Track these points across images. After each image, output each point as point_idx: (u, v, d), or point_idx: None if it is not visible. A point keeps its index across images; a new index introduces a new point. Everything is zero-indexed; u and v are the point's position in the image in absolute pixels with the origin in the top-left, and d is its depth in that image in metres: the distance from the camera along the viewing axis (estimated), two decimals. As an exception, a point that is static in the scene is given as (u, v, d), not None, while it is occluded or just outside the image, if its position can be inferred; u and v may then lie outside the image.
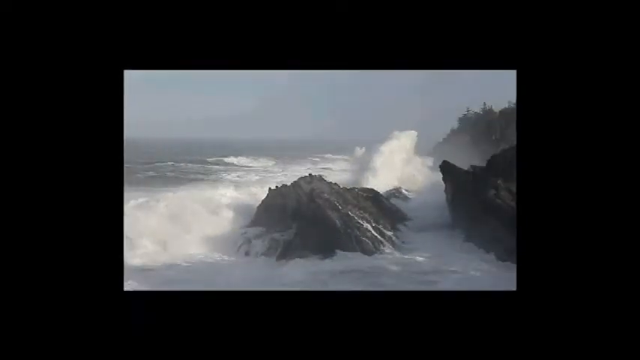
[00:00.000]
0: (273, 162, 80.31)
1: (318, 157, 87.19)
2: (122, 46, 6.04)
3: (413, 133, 46.65)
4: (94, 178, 5.92)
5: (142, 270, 19.71)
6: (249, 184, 38.21)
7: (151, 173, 57.21)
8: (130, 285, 15.48)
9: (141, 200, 27.04)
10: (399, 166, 41.02)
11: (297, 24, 6.19)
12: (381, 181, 34.41)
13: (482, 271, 18.68)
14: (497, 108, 52.06)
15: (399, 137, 44.77)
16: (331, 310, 6.04)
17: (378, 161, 39.61)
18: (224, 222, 25.42)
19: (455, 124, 61.70)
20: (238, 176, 58.67)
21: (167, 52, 6.24)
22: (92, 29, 5.89)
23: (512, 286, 6.11)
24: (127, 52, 6.08)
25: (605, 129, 5.83)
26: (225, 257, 22.42)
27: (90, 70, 5.92)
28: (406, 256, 21.27)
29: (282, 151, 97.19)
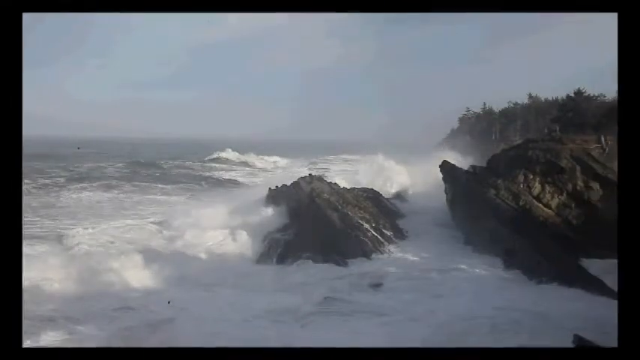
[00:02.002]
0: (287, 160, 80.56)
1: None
2: None
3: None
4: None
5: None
6: (251, 184, 38.16)
7: (148, 172, 57.11)
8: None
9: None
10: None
11: None
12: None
13: (483, 271, 18.69)
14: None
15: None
16: None
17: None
18: (225, 223, 25.39)
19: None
20: (241, 175, 58.74)
21: None
22: None
23: (512, 286, 5.85)
24: None
25: None
26: (226, 257, 22.40)
27: None
28: (406, 257, 21.27)
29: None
